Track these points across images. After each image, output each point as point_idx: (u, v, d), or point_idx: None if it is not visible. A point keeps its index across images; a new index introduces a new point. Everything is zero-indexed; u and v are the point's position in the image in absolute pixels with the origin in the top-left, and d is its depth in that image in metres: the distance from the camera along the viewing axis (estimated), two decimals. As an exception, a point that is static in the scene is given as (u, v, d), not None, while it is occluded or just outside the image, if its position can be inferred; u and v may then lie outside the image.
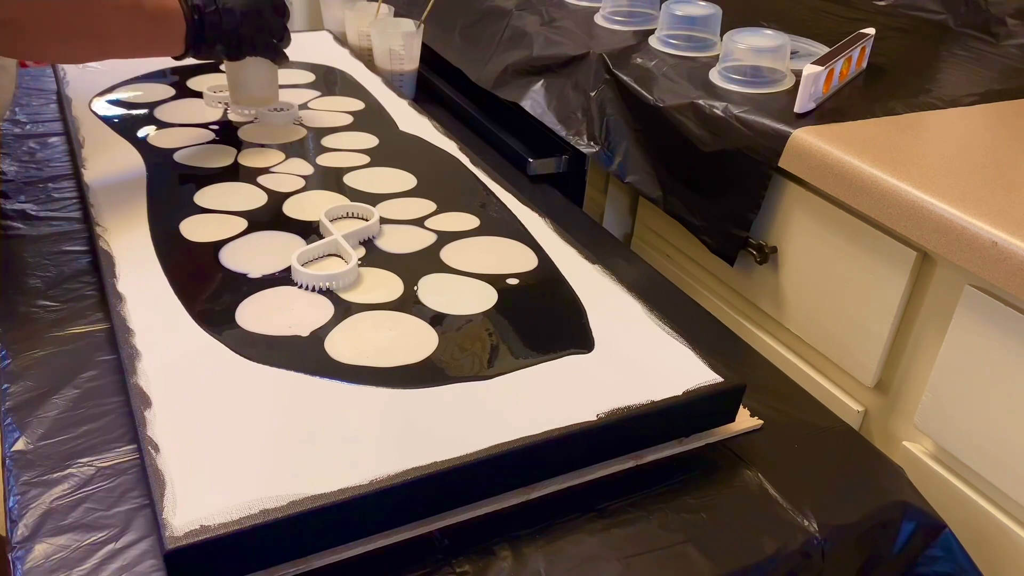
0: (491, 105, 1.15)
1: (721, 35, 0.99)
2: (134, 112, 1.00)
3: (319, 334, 0.64)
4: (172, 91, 1.07)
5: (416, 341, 0.64)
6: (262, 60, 0.94)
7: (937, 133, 0.81)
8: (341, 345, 0.63)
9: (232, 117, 1.00)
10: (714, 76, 0.93)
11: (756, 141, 0.82)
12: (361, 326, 0.66)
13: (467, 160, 0.94)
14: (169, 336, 0.63)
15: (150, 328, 0.63)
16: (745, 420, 0.64)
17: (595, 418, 0.56)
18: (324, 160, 0.92)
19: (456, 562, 0.52)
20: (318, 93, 1.10)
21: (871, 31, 0.95)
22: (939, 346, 0.71)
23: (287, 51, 0.95)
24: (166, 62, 1.15)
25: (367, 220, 0.79)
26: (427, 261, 0.75)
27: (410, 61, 1.20)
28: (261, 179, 0.87)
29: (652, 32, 1.06)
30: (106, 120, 0.98)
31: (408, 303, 0.69)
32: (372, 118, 1.04)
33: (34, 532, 0.51)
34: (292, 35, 0.96)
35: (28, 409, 0.60)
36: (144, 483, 0.54)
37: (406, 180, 0.89)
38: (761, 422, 0.64)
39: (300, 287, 0.70)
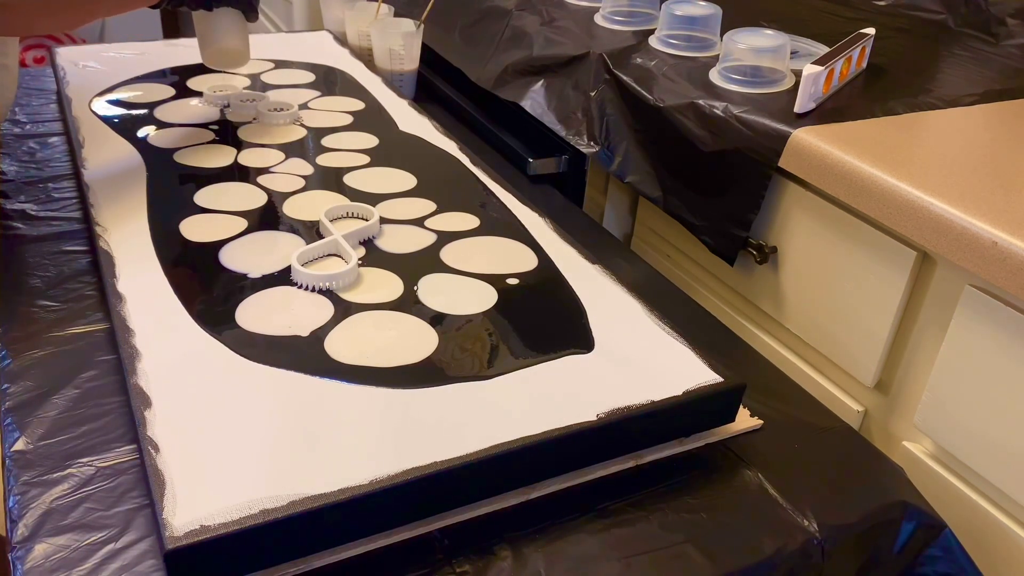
0: (491, 105, 1.15)
1: (721, 35, 0.99)
2: (134, 112, 1.00)
3: (319, 334, 0.64)
4: (172, 91, 1.07)
5: (416, 341, 0.64)
6: (233, 12, 0.93)
7: (937, 133, 0.81)
8: (341, 345, 0.63)
9: (232, 117, 1.00)
10: (714, 76, 0.93)
11: (756, 141, 0.82)
12: (361, 326, 0.66)
13: (467, 160, 0.94)
14: (169, 336, 0.63)
15: (150, 328, 0.63)
16: (745, 420, 0.64)
17: (595, 418, 0.56)
18: (324, 160, 0.92)
19: (456, 562, 0.52)
20: (318, 93, 1.10)
21: (871, 31, 0.95)
22: (939, 346, 0.71)
23: (256, 20, 0.95)
24: (166, 61, 1.15)
25: (367, 220, 0.79)
26: (427, 261, 0.75)
27: (410, 61, 1.20)
28: (261, 179, 0.87)
29: (652, 32, 1.06)
30: (106, 120, 0.98)
31: (408, 303, 0.69)
32: (372, 118, 1.04)
33: (34, 532, 0.51)
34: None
35: (28, 409, 0.60)
36: (144, 483, 0.54)
37: (406, 180, 0.89)
38: (761, 422, 0.64)
39: (300, 287, 0.70)
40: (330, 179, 0.88)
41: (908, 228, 0.70)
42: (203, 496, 0.49)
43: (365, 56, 1.25)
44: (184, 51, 1.18)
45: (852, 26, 1.02)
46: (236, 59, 0.97)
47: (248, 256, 0.74)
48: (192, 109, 1.02)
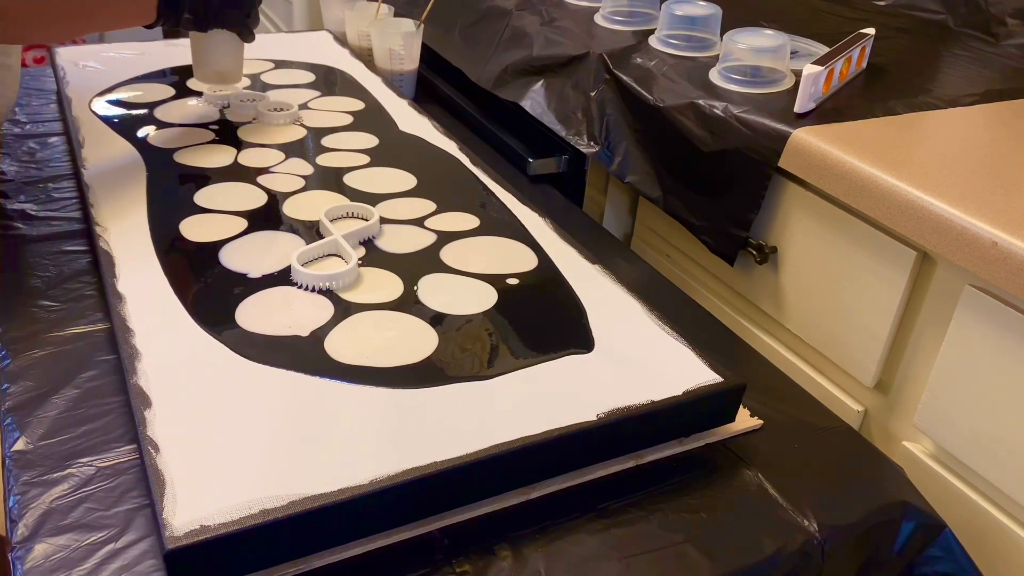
0: (491, 105, 1.15)
1: (721, 35, 0.99)
2: (134, 112, 1.00)
3: (319, 334, 0.64)
4: (172, 91, 1.07)
5: (416, 341, 0.64)
6: (228, 34, 0.93)
7: (937, 133, 0.81)
8: (341, 345, 0.63)
9: (232, 117, 1.00)
10: (714, 76, 0.93)
11: (756, 141, 0.82)
12: (361, 326, 0.66)
13: (467, 160, 0.94)
14: (169, 336, 0.63)
15: (150, 328, 0.63)
16: (745, 420, 0.64)
17: (595, 418, 0.56)
18: (324, 160, 0.92)
19: (456, 562, 0.52)
20: (318, 93, 1.10)
21: (871, 31, 0.95)
22: (939, 346, 0.71)
23: (257, 31, 0.95)
24: (166, 61, 1.15)
25: (367, 220, 0.79)
26: (427, 261, 0.75)
27: (410, 61, 1.20)
28: (261, 179, 0.87)
29: (652, 32, 1.06)
30: (106, 120, 0.98)
31: (408, 303, 0.69)
32: (372, 118, 1.04)
33: (34, 532, 0.51)
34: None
35: (28, 409, 0.60)
36: (144, 483, 0.54)
37: (406, 180, 0.89)
38: (761, 422, 0.64)
39: (300, 287, 0.70)
40: (330, 179, 0.88)
41: (908, 228, 0.70)
42: (203, 496, 0.49)
43: (365, 56, 1.25)
44: (184, 51, 1.17)
45: (852, 26, 1.02)
46: (229, 78, 0.99)
47: (248, 256, 0.74)
48: (192, 109, 1.02)
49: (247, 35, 0.94)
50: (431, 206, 0.84)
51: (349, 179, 0.88)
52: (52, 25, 0.78)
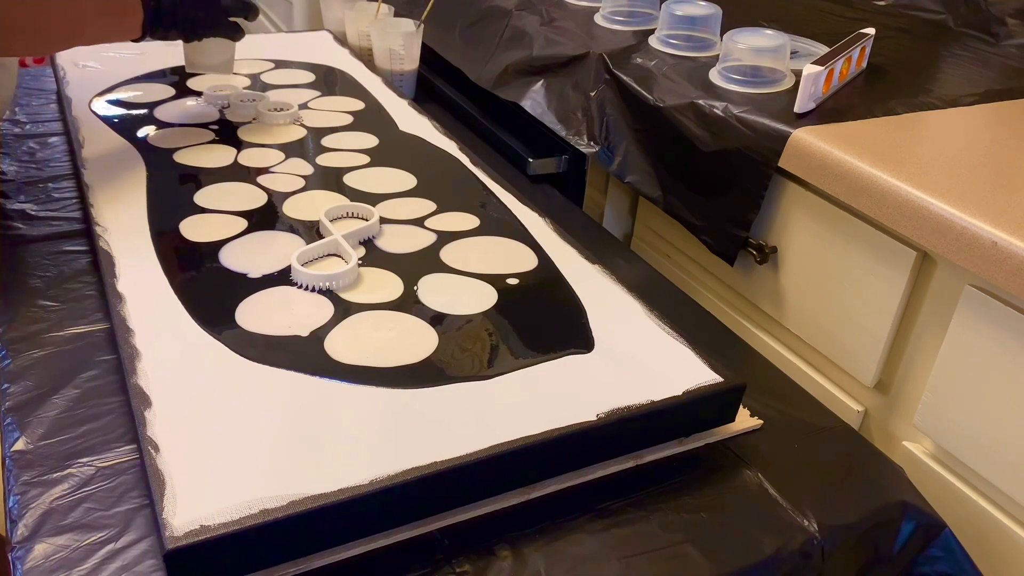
0: (491, 105, 1.15)
1: (721, 35, 0.99)
2: (134, 112, 1.00)
3: (319, 334, 0.64)
4: (172, 91, 1.07)
5: (416, 341, 0.64)
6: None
7: (937, 133, 0.81)
8: (341, 345, 0.63)
9: (231, 117, 1.00)
10: (714, 76, 0.93)
11: (756, 141, 0.82)
12: (361, 326, 0.66)
13: (467, 160, 0.94)
14: (169, 336, 0.63)
15: (150, 328, 0.63)
16: (745, 420, 0.64)
17: (595, 418, 0.56)
18: (324, 160, 0.92)
19: (456, 562, 0.52)
20: (318, 93, 1.10)
21: (871, 31, 0.95)
22: (939, 346, 0.71)
23: (256, 20, 0.96)
24: (166, 61, 1.15)
25: (367, 220, 0.79)
26: (427, 261, 0.75)
27: (410, 61, 1.20)
28: (261, 179, 0.87)
29: (652, 32, 1.06)
30: (106, 120, 0.98)
31: (408, 303, 0.69)
32: (372, 118, 1.04)
33: (34, 532, 0.51)
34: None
35: (28, 409, 0.60)
36: (144, 483, 0.54)
37: (406, 180, 0.89)
38: (761, 422, 0.64)
39: (300, 287, 0.70)
40: (330, 179, 0.88)
41: (908, 228, 0.70)
42: (203, 496, 0.49)
43: (365, 56, 1.25)
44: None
45: (852, 26, 1.02)
46: (220, 70, 0.99)
47: (248, 256, 0.74)
48: (192, 109, 1.02)
49: (237, 35, 0.94)
50: (431, 206, 0.84)
51: (349, 179, 0.88)
52: (36, 39, 0.80)
